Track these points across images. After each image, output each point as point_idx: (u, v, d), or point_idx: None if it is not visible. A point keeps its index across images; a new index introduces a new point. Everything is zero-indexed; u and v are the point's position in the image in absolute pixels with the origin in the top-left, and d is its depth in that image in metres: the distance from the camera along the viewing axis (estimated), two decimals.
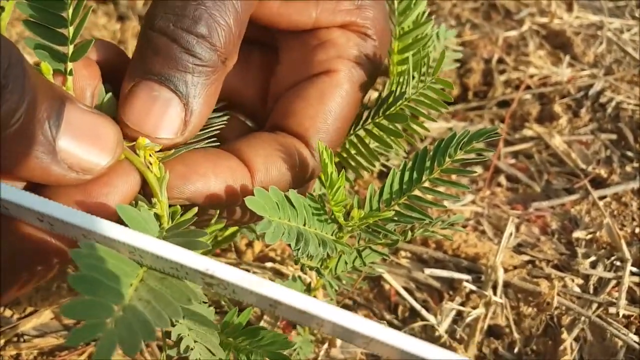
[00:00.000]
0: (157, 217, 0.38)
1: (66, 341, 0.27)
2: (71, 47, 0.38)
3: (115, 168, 0.37)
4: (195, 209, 0.39)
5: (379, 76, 0.51)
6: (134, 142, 0.39)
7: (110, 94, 0.41)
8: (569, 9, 1.27)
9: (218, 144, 0.43)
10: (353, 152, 0.56)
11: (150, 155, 0.39)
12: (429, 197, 0.46)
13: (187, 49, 0.38)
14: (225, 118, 0.46)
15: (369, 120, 0.51)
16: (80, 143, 0.35)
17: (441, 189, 0.45)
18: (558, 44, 1.17)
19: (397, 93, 0.50)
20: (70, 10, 0.38)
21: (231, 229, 0.61)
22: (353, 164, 0.57)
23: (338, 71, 0.47)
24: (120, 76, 0.44)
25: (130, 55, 0.43)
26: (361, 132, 0.53)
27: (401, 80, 0.50)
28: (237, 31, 0.41)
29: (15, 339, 0.61)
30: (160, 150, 0.40)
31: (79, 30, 0.38)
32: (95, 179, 0.36)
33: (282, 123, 0.47)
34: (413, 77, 0.47)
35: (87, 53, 0.38)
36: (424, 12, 0.54)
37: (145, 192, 0.39)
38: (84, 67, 0.40)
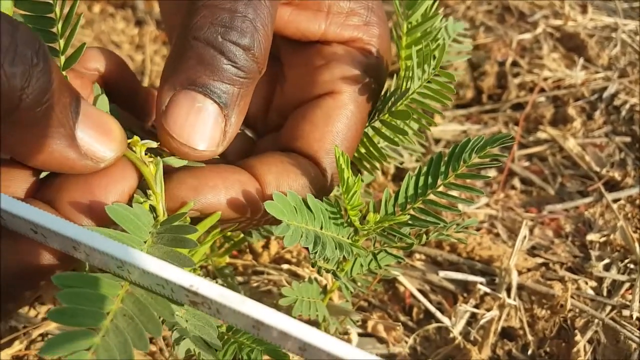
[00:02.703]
0: (153, 209, 0.40)
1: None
2: (62, 58, 0.40)
3: (115, 164, 0.39)
4: (191, 204, 0.41)
5: (382, 91, 0.52)
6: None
7: (105, 99, 0.43)
8: (583, 11, 1.27)
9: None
10: (362, 151, 0.56)
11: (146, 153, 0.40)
12: (444, 201, 0.46)
13: (233, 62, 0.39)
14: None
15: (376, 118, 0.52)
16: (94, 133, 0.37)
17: (455, 193, 0.46)
18: (572, 46, 1.17)
19: (402, 89, 0.50)
20: (60, 25, 0.40)
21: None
22: (364, 163, 0.58)
23: (342, 92, 0.48)
24: (120, 83, 0.45)
25: (124, 57, 0.44)
26: (369, 131, 0.53)
27: (407, 74, 0.50)
28: (271, 39, 0.42)
29: (39, 338, 0.63)
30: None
31: (69, 42, 0.41)
32: (97, 173, 0.38)
33: (292, 146, 0.49)
34: (418, 71, 0.48)
35: (80, 57, 0.40)
36: (432, 6, 0.53)
37: (142, 186, 0.41)
38: (77, 78, 0.42)
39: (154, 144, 0.41)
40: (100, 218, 0.37)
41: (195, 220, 0.42)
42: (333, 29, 0.49)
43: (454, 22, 0.64)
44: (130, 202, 0.39)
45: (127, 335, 0.30)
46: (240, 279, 0.71)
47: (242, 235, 0.63)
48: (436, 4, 0.53)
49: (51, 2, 0.40)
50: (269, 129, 0.54)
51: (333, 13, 0.48)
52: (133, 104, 0.47)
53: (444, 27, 0.63)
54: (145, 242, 0.36)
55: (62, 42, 0.41)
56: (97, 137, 0.37)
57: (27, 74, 0.31)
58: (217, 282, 0.36)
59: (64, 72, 0.40)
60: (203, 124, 0.40)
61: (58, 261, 0.36)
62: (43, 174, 0.39)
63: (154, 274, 0.32)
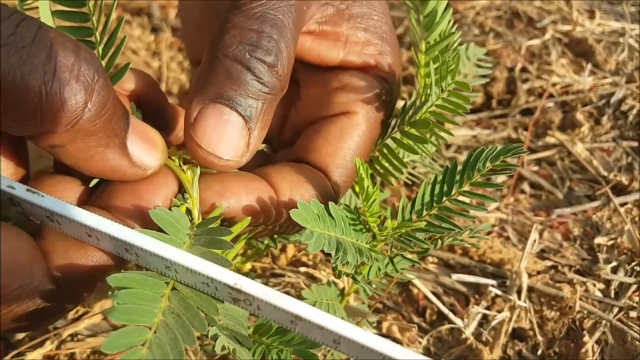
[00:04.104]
0: (189, 212, 0.43)
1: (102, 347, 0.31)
2: None
3: (157, 172, 0.42)
4: (222, 207, 0.43)
5: (392, 113, 0.55)
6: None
7: (140, 117, 0.46)
8: (591, 16, 1.29)
9: None
10: (382, 160, 0.59)
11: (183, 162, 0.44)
12: (456, 207, 0.49)
13: (258, 77, 0.42)
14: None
15: (396, 129, 0.54)
16: (142, 143, 0.40)
17: (468, 199, 0.48)
18: (580, 52, 1.19)
19: (421, 100, 0.53)
20: (100, 48, 0.44)
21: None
22: (382, 171, 0.60)
23: (357, 113, 0.52)
24: (150, 102, 0.48)
25: (140, 64, 0.47)
26: (389, 142, 0.56)
27: (425, 91, 0.53)
28: (293, 60, 0.45)
29: (69, 338, 0.65)
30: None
31: (112, 63, 0.44)
32: (143, 181, 0.41)
33: (304, 158, 0.52)
34: (436, 89, 0.50)
35: (122, 77, 0.44)
36: (449, 25, 0.56)
37: (181, 191, 0.44)
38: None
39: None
40: (147, 221, 0.40)
41: (222, 225, 0.45)
42: (350, 57, 0.52)
43: (474, 47, 0.66)
44: (171, 207, 0.42)
45: (177, 331, 0.33)
46: (259, 281, 0.74)
47: (265, 242, 0.65)
48: (453, 24, 0.56)
49: (91, 27, 0.43)
50: (283, 145, 0.57)
51: (350, 42, 0.52)
52: (161, 121, 0.50)
53: (464, 51, 0.65)
54: (184, 243, 0.39)
55: (103, 63, 0.44)
56: (144, 146, 0.40)
57: (90, 89, 0.35)
58: None
59: None
60: (229, 135, 0.42)
61: (111, 262, 0.39)
62: (92, 183, 0.42)
63: (201, 273, 0.35)
